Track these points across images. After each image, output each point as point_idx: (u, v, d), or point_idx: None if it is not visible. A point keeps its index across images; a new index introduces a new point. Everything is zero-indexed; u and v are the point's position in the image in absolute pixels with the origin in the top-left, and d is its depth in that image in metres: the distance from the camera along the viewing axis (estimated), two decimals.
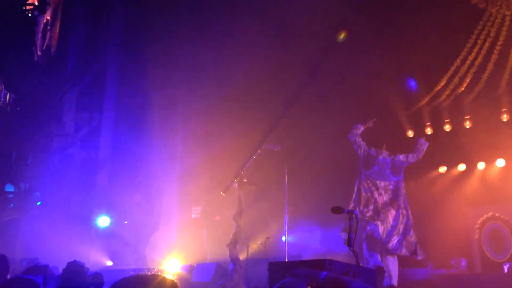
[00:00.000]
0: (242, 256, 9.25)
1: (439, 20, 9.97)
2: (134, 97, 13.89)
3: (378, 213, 8.60)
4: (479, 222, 10.52)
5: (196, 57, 13.11)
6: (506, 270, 9.12)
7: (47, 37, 15.17)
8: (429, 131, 10.99)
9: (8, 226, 14.03)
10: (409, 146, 9.18)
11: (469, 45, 9.94)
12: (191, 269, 10.04)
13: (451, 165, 11.14)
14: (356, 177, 9.00)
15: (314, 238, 11.42)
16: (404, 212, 8.69)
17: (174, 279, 2.79)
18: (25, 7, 14.99)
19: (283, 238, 9.19)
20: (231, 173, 9.34)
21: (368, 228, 8.49)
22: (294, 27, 11.44)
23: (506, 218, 10.28)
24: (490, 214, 10.46)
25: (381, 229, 8.43)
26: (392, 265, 8.45)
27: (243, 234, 9.13)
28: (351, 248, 4.97)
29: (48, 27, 15.16)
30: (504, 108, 10.27)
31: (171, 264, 10.78)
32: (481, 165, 10.74)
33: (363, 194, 8.73)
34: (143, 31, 14.05)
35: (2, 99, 15.43)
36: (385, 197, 8.72)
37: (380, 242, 8.46)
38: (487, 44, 9.74)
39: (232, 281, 8.46)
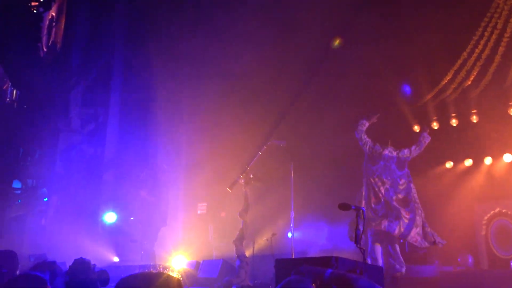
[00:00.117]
0: (248, 253, 9.23)
1: (445, 12, 9.86)
2: (140, 92, 13.90)
3: (390, 209, 8.57)
4: (486, 218, 10.32)
5: (201, 51, 13.09)
6: None
7: (52, 33, 15.20)
8: (435, 125, 10.90)
9: (16, 222, 14.13)
10: (415, 141, 9.12)
11: (475, 37, 9.82)
12: (197, 265, 10.04)
13: (458, 160, 11.00)
14: (362, 174, 8.97)
15: (321, 235, 11.39)
16: (417, 205, 8.67)
17: (179, 277, 2.80)
18: (30, 4, 15.00)
19: (289, 234, 9.16)
20: (236, 168, 9.33)
21: (382, 225, 8.45)
22: (299, 21, 11.38)
23: None
24: (497, 210, 10.24)
25: (396, 224, 8.40)
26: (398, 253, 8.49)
27: (249, 230, 9.11)
28: (358, 245, 4.94)
29: (53, 23, 15.20)
30: (511, 102, 10.17)
31: (177, 261, 10.79)
32: (488, 160, 10.58)
33: (372, 190, 8.74)
34: (148, 26, 14.05)
35: (8, 96, 15.49)
36: (393, 192, 8.69)
37: (397, 237, 8.45)
38: (494, 36, 9.62)
39: (238, 278, 8.45)
